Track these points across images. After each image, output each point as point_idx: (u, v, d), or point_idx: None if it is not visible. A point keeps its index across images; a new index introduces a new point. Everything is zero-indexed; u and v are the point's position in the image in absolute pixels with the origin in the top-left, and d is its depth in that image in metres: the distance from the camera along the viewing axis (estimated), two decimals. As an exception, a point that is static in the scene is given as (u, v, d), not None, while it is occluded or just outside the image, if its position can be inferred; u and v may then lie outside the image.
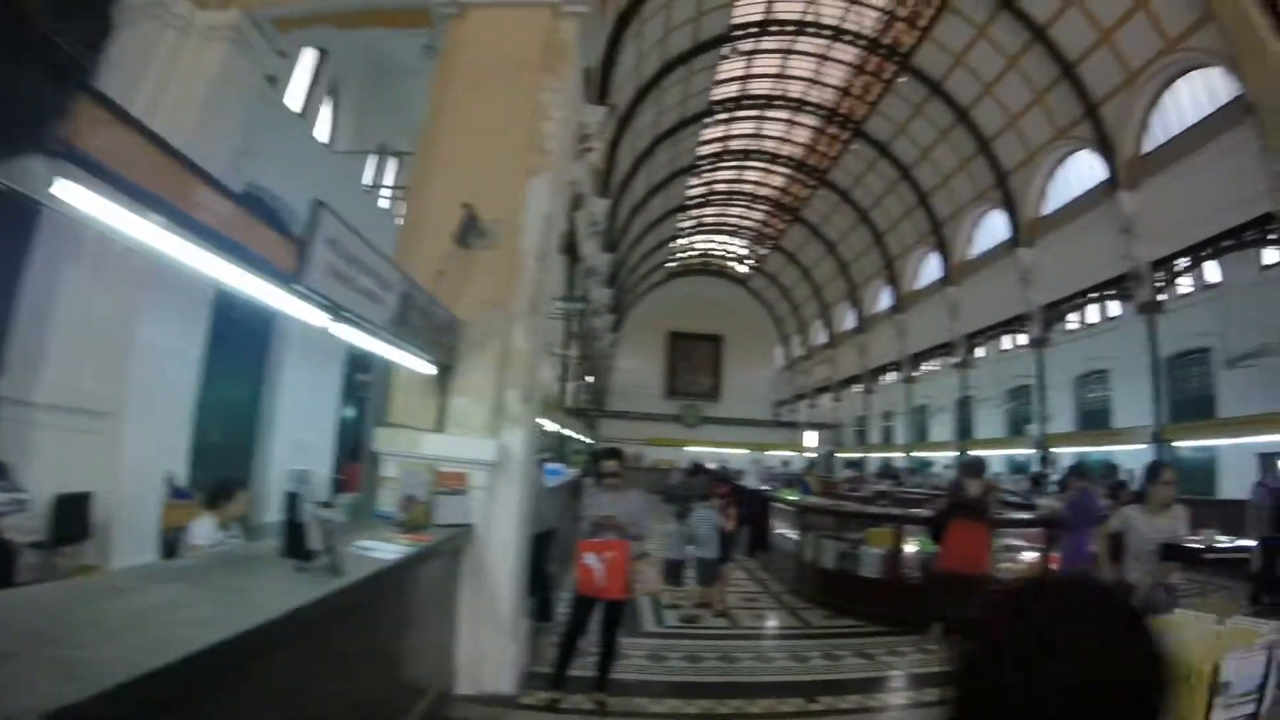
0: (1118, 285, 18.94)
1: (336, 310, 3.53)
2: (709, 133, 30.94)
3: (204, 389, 8.72)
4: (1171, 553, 5.19)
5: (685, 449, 41.36)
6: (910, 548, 9.06)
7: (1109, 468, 12.32)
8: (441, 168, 6.61)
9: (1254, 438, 15.22)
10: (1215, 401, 18.91)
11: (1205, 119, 16.66)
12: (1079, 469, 9.61)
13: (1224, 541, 5.91)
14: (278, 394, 12.47)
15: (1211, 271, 19.52)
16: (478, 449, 5.69)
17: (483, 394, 5.89)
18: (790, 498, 12.12)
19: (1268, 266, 17.90)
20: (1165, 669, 0.94)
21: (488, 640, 5.49)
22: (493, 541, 5.66)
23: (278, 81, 11.39)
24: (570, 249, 17.23)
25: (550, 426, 18.43)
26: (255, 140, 9.47)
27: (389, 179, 16.19)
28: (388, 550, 3.99)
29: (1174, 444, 17.55)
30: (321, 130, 13.42)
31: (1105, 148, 18.95)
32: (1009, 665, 0.93)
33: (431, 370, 5.60)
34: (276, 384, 12.40)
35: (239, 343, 10.92)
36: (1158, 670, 0.93)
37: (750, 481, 18.21)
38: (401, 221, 9.59)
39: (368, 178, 15.47)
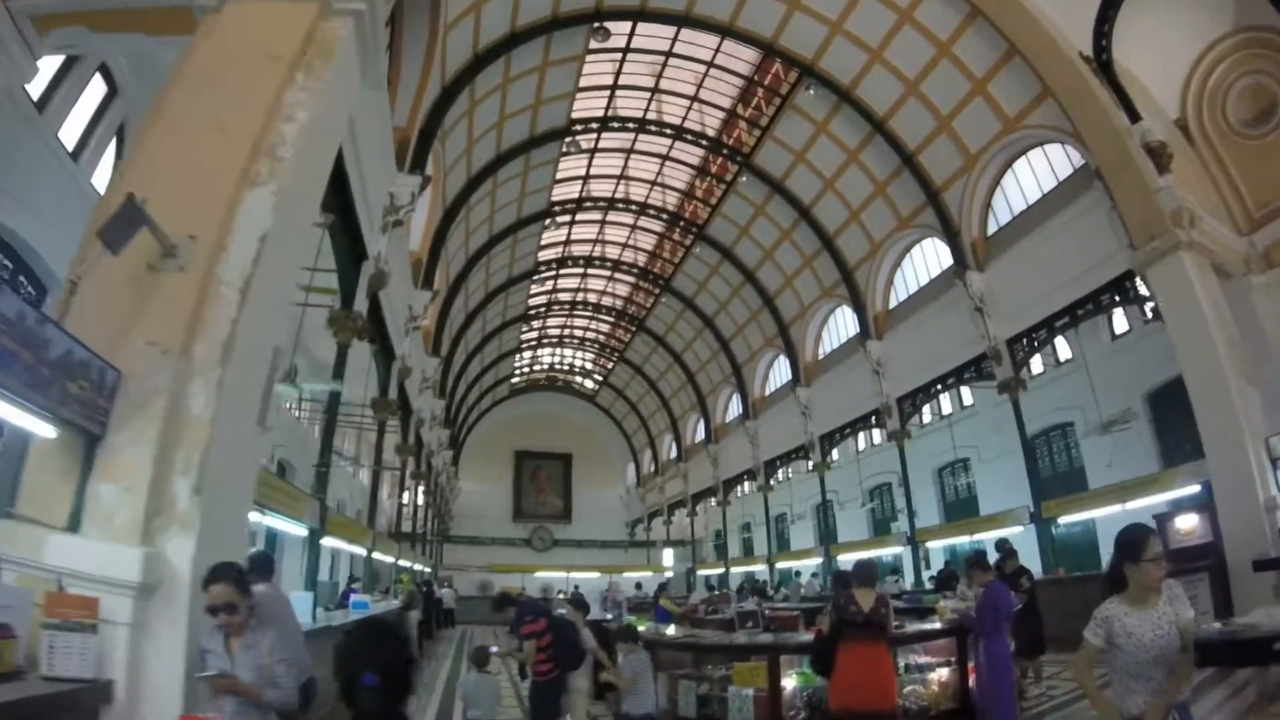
0: (975, 367, 18.58)
1: None
2: (550, 235, 29.79)
3: None
4: (1223, 654, 3.36)
5: (535, 574, 38.60)
6: (790, 683, 7.21)
7: (1008, 552, 10.93)
8: (140, 169, 4.93)
9: (1141, 500, 14.45)
10: (1085, 473, 19.06)
11: (1049, 193, 16.88)
12: (978, 560, 7.98)
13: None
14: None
15: (1064, 348, 19.79)
16: (116, 561, 3.68)
17: (135, 479, 3.99)
18: (637, 628, 9.89)
19: (1119, 335, 18.41)
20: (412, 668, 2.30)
21: None
22: (147, 708, 3.54)
23: (49, 111, 9.17)
24: (381, 340, 15.10)
25: (355, 551, 15.81)
26: (7, 172, 8.03)
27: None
28: None
29: (1058, 520, 16.77)
30: (101, 179, 10.93)
31: (950, 232, 18.88)
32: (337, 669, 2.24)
33: (50, 433, 3.63)
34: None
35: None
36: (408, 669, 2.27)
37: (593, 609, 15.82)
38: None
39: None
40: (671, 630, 10.45)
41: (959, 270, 18.59)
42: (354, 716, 2.24)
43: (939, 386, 20.31)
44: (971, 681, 7.16)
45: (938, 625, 8.09)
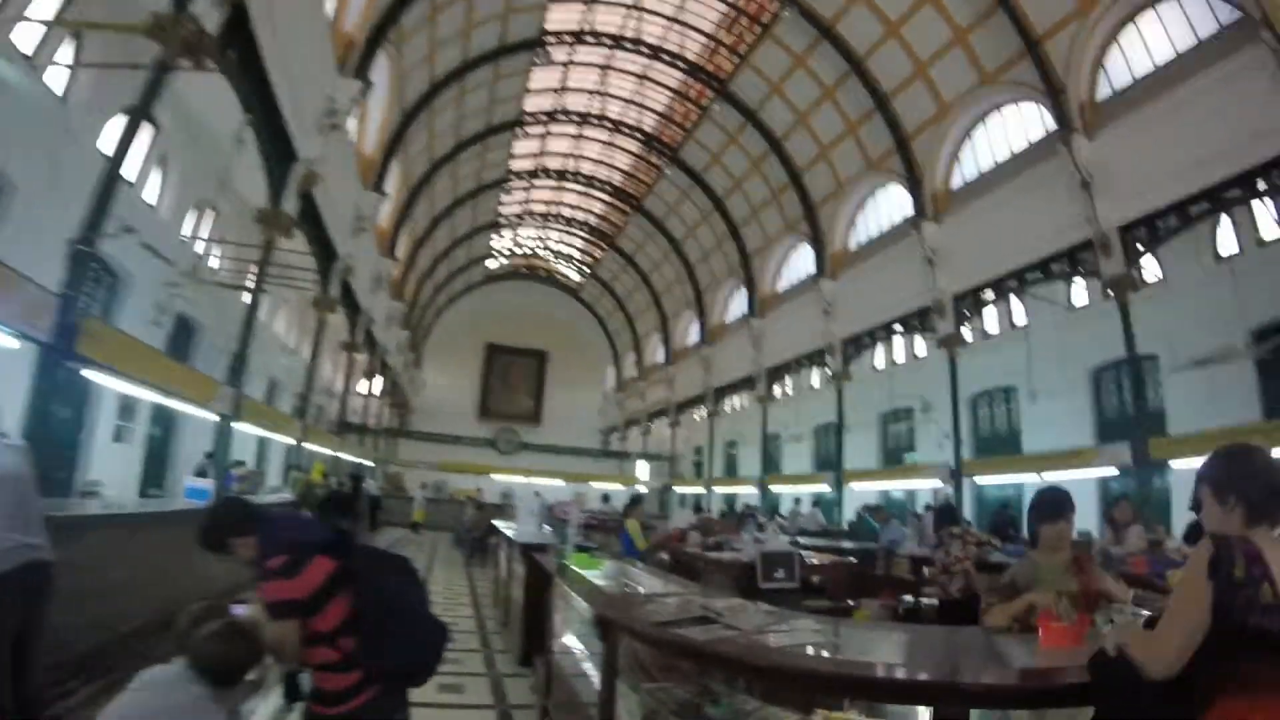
0: (1069, 258, 14.69)
1: None
2: (541, 77, 24.90)
3: None
4: None
5: (493, 477, 34.86)
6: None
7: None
8: None
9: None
10: (1164, 417, 15.11)
11: (1185, 54, 13.15)
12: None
13: None
14: None
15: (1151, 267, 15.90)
16: None
17: None
18: (586, 575, 4.97)
19: (1225, 258, 14.71)
20: None
21: None
22: None
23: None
24: (261, 105, 10.63)
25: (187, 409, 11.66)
26: None
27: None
28: None
29: (1168, 463, 12.98)
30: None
31: (1053, 92, 14.65)
32: None
33: None
34: None
35: None
36: None
37: (528, 524, 9.81)
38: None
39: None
40: (641, 578, 5.22)
41: (1064, 135, 14.35)
42: None
43: (1015, 282, 16.00)
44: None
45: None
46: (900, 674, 2.72)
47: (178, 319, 16.03)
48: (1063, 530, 3.68)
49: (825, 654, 2.87)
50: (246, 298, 13.52)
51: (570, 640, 5.46)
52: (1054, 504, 3.75)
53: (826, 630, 3.23)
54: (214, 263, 17.43)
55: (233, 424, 11.75)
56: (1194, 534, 7.15)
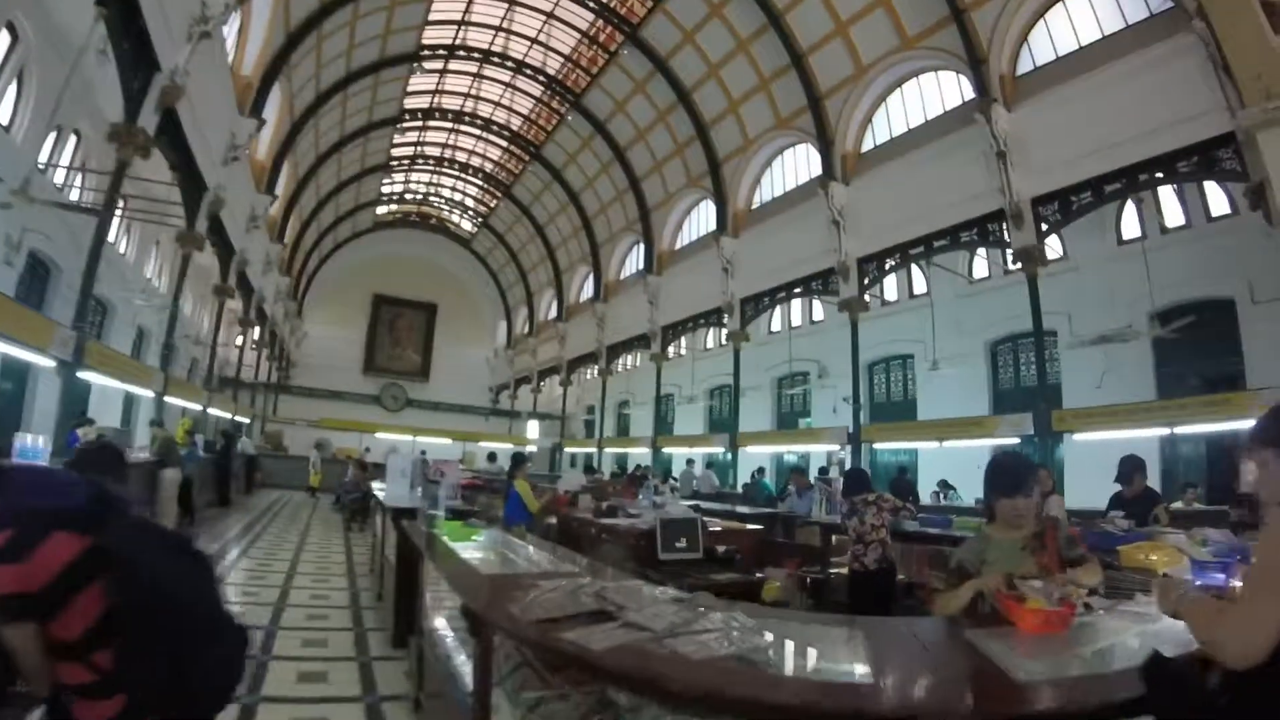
0: (979, 229, 14.56)
1: None
2: (441, 7, 23.33)
3: None
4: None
5: (377, 435, 33.23)
6: None
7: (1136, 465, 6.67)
8: None
9: (1137, 431, 12.17)
10: (1061, 391, 15.63)
11: (1113, 35, 13.19)
12: None
13: None
14: None
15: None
16: None
17: None
18: (457, 549, 4.40)
19: (1126, 240, 15.74)
20: None
21: None
22: None
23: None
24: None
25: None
26: None
27: None
28: None
29: (1065, 436, 13.08)
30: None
31: (974, 61, 14.48)
32: None
33: None
34: None
35: None
36: None
37: (399, 486, 8.62)
38: None
39: None
40: (524, 553, 4.48)
41: (983, 104, 14.17)
42: None
43: (923, 248, 15.76)
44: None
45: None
46: (894, 701, 1.97)
47: (34, 259, 14.18)
48: (1021, 506, 3.10)
49: (769, 665, 2.09)
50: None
51: (442, 622, 4.63)
52: (1012, 474, 3.17)
53: (756, 628, 2.42)
54: (75, 194, 15.50)
55: (80, 374, 10.27)
56: (1116, 506, 6.89)
